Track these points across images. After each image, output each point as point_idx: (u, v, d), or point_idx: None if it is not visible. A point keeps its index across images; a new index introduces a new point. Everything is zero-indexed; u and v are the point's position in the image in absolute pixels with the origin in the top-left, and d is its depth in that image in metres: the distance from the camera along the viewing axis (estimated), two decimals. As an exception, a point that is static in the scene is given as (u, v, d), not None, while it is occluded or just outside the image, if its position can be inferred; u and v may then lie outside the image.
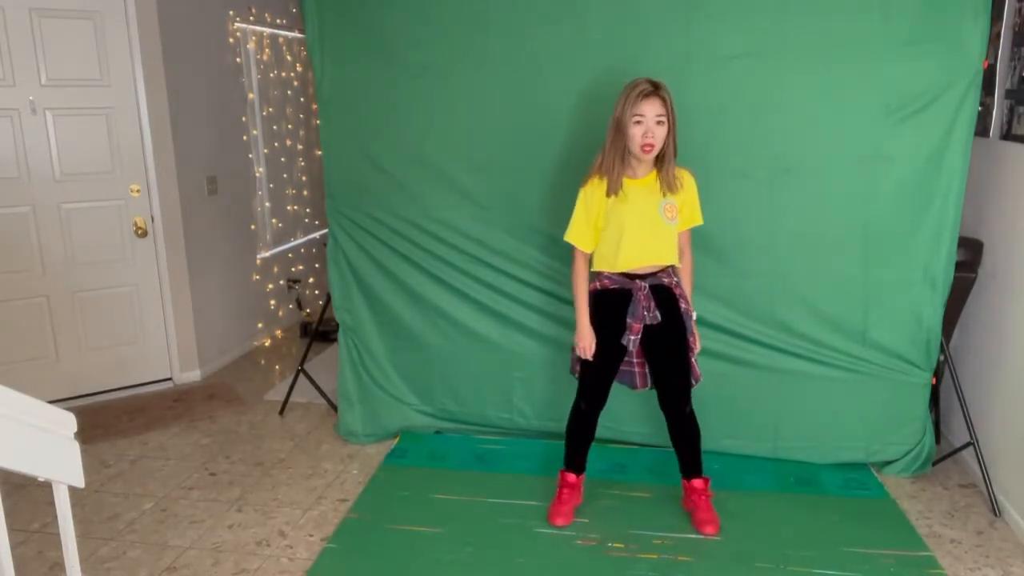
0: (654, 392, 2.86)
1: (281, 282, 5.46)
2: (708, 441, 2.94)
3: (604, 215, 2.67)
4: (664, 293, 2.70)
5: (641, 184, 2.64)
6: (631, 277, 2.69)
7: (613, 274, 2.71)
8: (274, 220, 5.34)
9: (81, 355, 4.12)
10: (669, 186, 2.62)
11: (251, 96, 5.00)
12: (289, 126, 5.51)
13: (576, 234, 2.72)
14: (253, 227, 5.07)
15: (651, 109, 2.51)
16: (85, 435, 3.63)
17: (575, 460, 2.91)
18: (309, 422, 3.87)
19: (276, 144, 5.33)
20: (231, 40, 4.75)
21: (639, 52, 3.01)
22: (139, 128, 4.08)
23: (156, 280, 4.27)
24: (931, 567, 2.59)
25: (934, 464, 3.24)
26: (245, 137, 4.93)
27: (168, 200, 4.21)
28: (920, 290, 3.04)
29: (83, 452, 3.11)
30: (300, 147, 5.67)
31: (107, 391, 4.21)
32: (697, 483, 2.86)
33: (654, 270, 2.70)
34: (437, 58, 3.21)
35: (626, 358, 2.84)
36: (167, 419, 3.91)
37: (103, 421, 3.89)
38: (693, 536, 2.78)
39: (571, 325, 3.23)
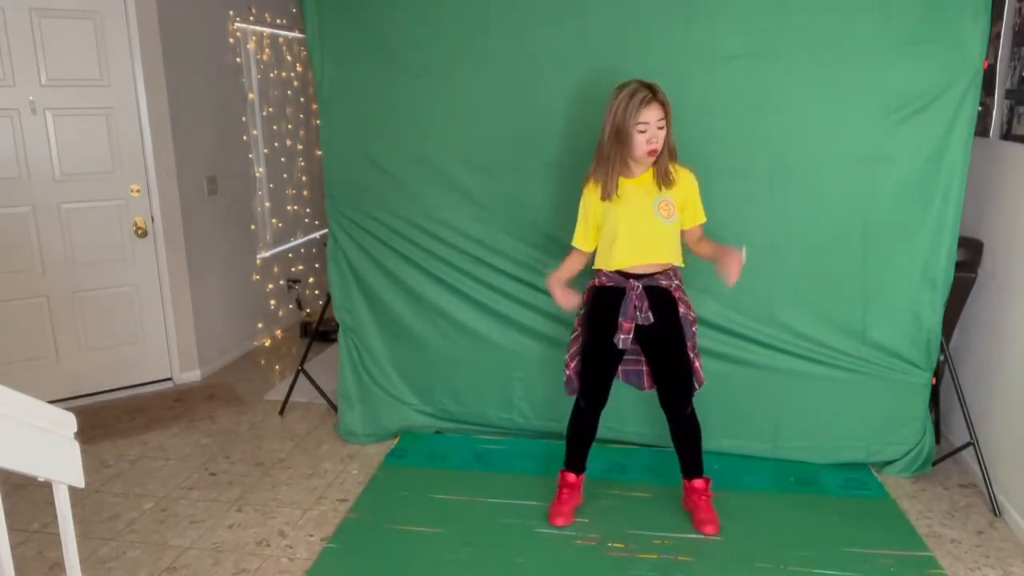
0: (654, 392, 2.86)
1: (281, 282, 5.46)
2: (708, 441, 2.94)
3: (600, 215, 2.69)
4: (660, 294, 2.69)
5: (637, 183, 2.64)
6: (626, 276, 2.70)
7: (609, 272, 2.72)
8: (274, 220, 5.34)
9: (81, 355, 4.12)
10: (664, 181, 2.62)
11: (251, 96, 5.00)
12: (289, 126, 5.51)
13: (578, 238, 2.79)
14: (253, 227, 5.07)
15: (653, 115, 2.52)
16: (85, 435, 3.63)
17: (575, 460, 2.92)
18: (309, 422, 3.87)
19: (276, 144, 5.33)
20: (231, 40, 4.75)
21: (639, 52, 3.01)
22: (139, 128, 4.08)
23: (156, 280, 4.27)
24: (931, 567, 2.59)
25: (934, 464, 3.24)
26: (245, 137, 4.93)
27: (168, 200, 4.21)
28: (920, 290, 3.04)
29: (83, 452, 3.10)
30: (300, 147, 5.67)
31: (107, 391, 4.21)
32: (698, 483, 2.86)
33: (651, 270, 2.70)
34: (437, 58, 3.21)
35: (634, 358, 2.85)
36: (167, 419, 3.91)
37: (103, 421, 3.89)
38: (693, 536, 2.78)
39: (572, 325, 3.24)
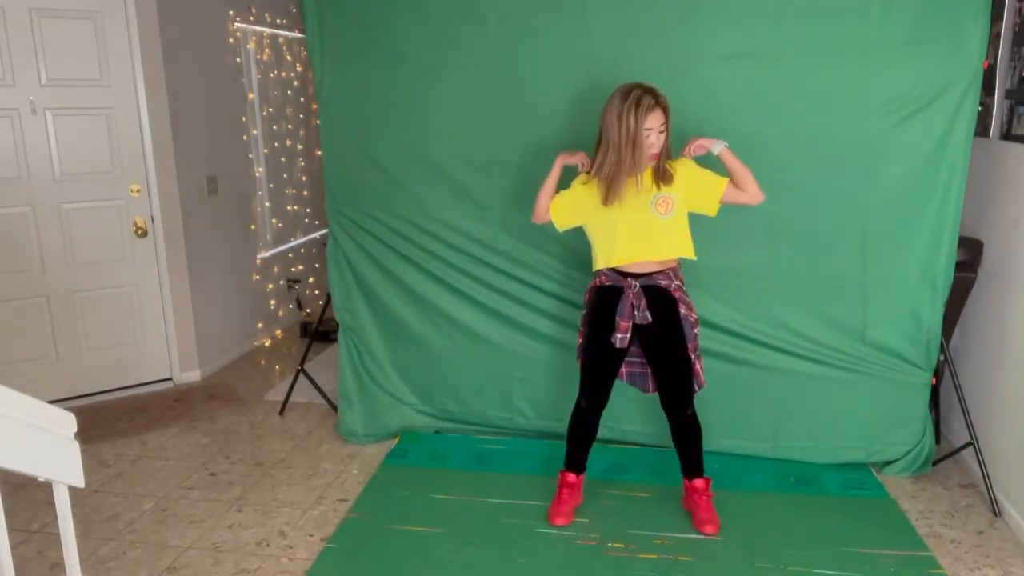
0: (655, 393, 2.86)
1: (281, 282, 5.46)
2: (708, 441, 2.94)
3: (586, 212, 2.71)
4: (659, 294, 2.69)
5: (633, 182, 2.64)
6: (624, 275, 2.69)
7: (609, 271, 2.72)
8: (274, 220, 5.34)
9: (81, 355, 4.12)
10: (663, 179, 2.62)
11: (251, 96, 5.00)
12: (289, 126, 5.51)
13: (555, 209, 2.81)
14: (253, 227, 5.07)
15: (656, 121, 2.55)
16: (85, 435, 3.63)
17: (575, 460, 2.92)
18: (309, 422, 3.86)
19: (276, 144, 5.33)
20: (231, 40, 4.75)
21: (639, 52, 3.00)
22: (139, 128, 4.08)
23: (156, 280, 4.27)
24: (931, 567, 2.59)
25: (934, 464, 3.24)
26: (245, 137, 4.93)
27: (168, 200, 4.21)
28: (920, 290, 3.04)
29: (83, 452, 3.11)
30: (300, 147, 5.67)
31: (107, 391, 4.21)
32: (698, 483, 2.86)
33: (650, 269, 2.69)
34: (437, 58, 3.21)
35: (638, 360, 2.85)
36: (167, 419, 3.91)
37: (103, 421, 3.89)
38: (693, 536, 2.78)
39: (573, 325, 3.25)
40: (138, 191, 4.13)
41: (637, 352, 2.83)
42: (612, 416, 3.10)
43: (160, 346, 4.34)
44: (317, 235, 5.95)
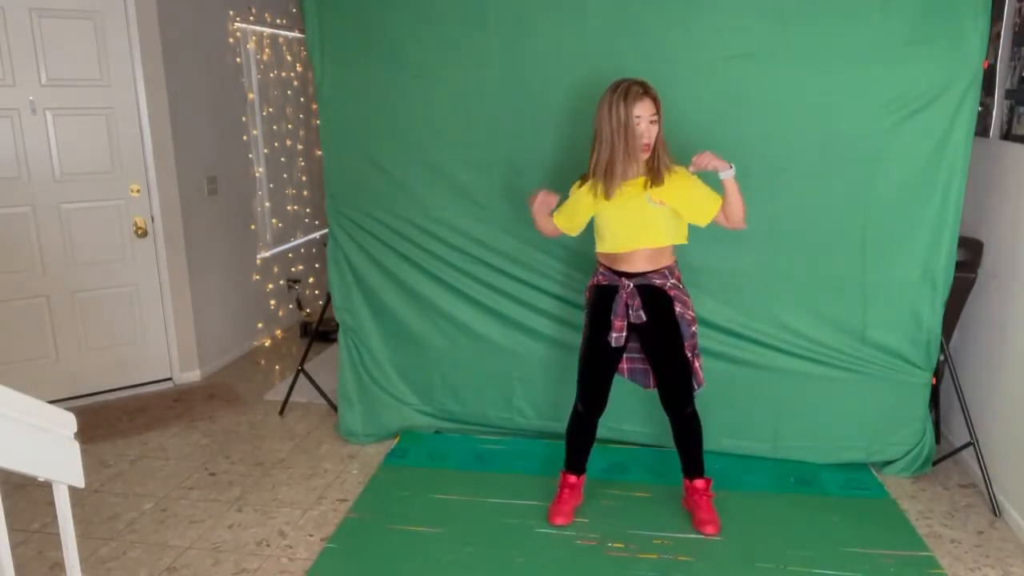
0: (655, 392, 2.86)
1: (281, 282, 5.46)
2: (708, 441, 2.93)
3: (588, 210, 2.71)
4: (653, 293, 2.69)
5: (631, 183, 2.64)
6: (619, 275, 2.70)
7: (606, 270, 2.73)
8: (274, 220, 5.34)
9: (81, 355, 4.12)
10: (655, 179, 2.61)
11: (251, 96, 5.00)
12: (289, 126, 5.51)
13: (560, 220, 2.84)
14: (253, 227, 5.07)
15: (646, 110, 2.54)
16: (85, 435, 3.63)
17: (575, 461, 2.92)
18: (309, 422, 3.86)
19: (276, 144, 5.33)
20: (231, 40, 4.75)
21: (639, 52, 3.00)
22: (139, 128, 4.08)
23: (156, 280, 4.26)
24: (931, 567, 2.59)
25: (934, 464, 3.24)
26: (245, 137, 4.93)
27: (168, 200, 4.21)
28: (920, 290, 3.04)
29: (83, 452, 3.11)
30: (300, 147, 5.67)
31: (107, 391, 4.21)
32: (699, 483, 2.86)
33: (645, 268, 2.68)
34: (437, 58, 3.21)
35: (638, 356, 2.84)
36: (167, 419, 3.91)
37: (103, 421, 3.89)
38: (693, 536, 2.78)
39: (573, 325, 3.25)
40: (138, 191, 4.13)
41: (637, 348, 2.82)
42: (612, 416, 3.10)
43: (160, 346, 4.34)
44: (317, 235, 5.95)
